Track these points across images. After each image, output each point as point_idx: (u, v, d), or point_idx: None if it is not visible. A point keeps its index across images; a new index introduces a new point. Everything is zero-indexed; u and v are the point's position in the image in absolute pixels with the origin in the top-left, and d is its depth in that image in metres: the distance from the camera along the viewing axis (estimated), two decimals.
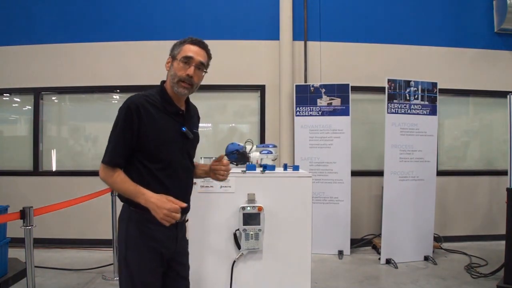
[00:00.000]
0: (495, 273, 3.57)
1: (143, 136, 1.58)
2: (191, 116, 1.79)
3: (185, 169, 1.74)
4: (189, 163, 1.77)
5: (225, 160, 1.83)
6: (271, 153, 2.51)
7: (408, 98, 4.26)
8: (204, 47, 1.70)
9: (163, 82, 1.74)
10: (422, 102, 4.31)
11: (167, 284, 1.73)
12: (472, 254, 4.39)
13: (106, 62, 4.96)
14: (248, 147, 2.55)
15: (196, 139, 1.80)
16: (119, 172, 1.59)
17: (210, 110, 5.20)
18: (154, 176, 1.61)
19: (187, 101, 1.78)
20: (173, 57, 1.68)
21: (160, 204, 1.48)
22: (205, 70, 1.71)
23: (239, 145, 2.53)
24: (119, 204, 1.73)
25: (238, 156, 2.47)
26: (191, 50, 1.65)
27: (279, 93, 4.89)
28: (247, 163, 2.45)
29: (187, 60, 1.64)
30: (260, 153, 2.51)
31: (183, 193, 1.73)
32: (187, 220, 2.18)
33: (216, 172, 1.83)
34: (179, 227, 1.75)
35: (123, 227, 1.64)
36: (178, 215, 1.49)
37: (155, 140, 1.60)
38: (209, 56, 1.73)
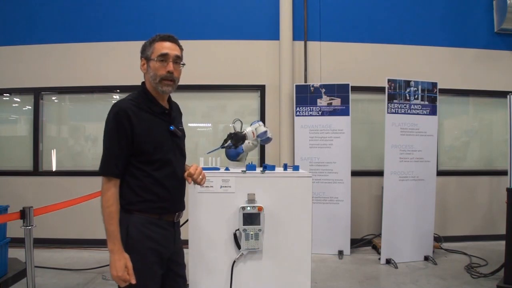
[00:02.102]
0: (495, 273, 3.57)
1: (137, 139, 1.58)
2: (175, 114, 1.80)
3: (181, 167, 1.76)
4: (183, 159, 1.80)
5: (192, 168, 1.72)
6: (260, 121, 2.61)
7: (408, 98, 4.26)
8: (175, 41, 1.71)
9: (144, 83, 1.73)
10: (422, 102, 4.31)
11: (166, 284, 1.73)
12: (472, 254, 4.40)
13: (106, 62, 4.96)
14: (237, 126, 2.56)
15: (183, 135, 1.83)
16: (115, 197, 1.57)
17: (210, 110, 5.20)
18: (153, 178, 1.61)
19: (169, 99, 1.80)
20: (146, 58, 1.68)
21: (119, 266, 1.52)
22: (182, 63, 1.72)
23: None
24: None
25: (233, 137, 2.46)
26: (164, 46, 1.66)
27: (279, 93, 4.89)
28: (245, 141, 2.47)
29: (164, 57, 1.65)
30: (250, 125, 2.55)
31: (181, 193, 1.76)
32: (187, 221, 2.18)
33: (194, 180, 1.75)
34: (176, 226, 1.76)
35: (123, 232, 1.59)
36: (123, 284, 1.55)
37: (149, 141, 1.61)
38: (181, 49, 1.73)
